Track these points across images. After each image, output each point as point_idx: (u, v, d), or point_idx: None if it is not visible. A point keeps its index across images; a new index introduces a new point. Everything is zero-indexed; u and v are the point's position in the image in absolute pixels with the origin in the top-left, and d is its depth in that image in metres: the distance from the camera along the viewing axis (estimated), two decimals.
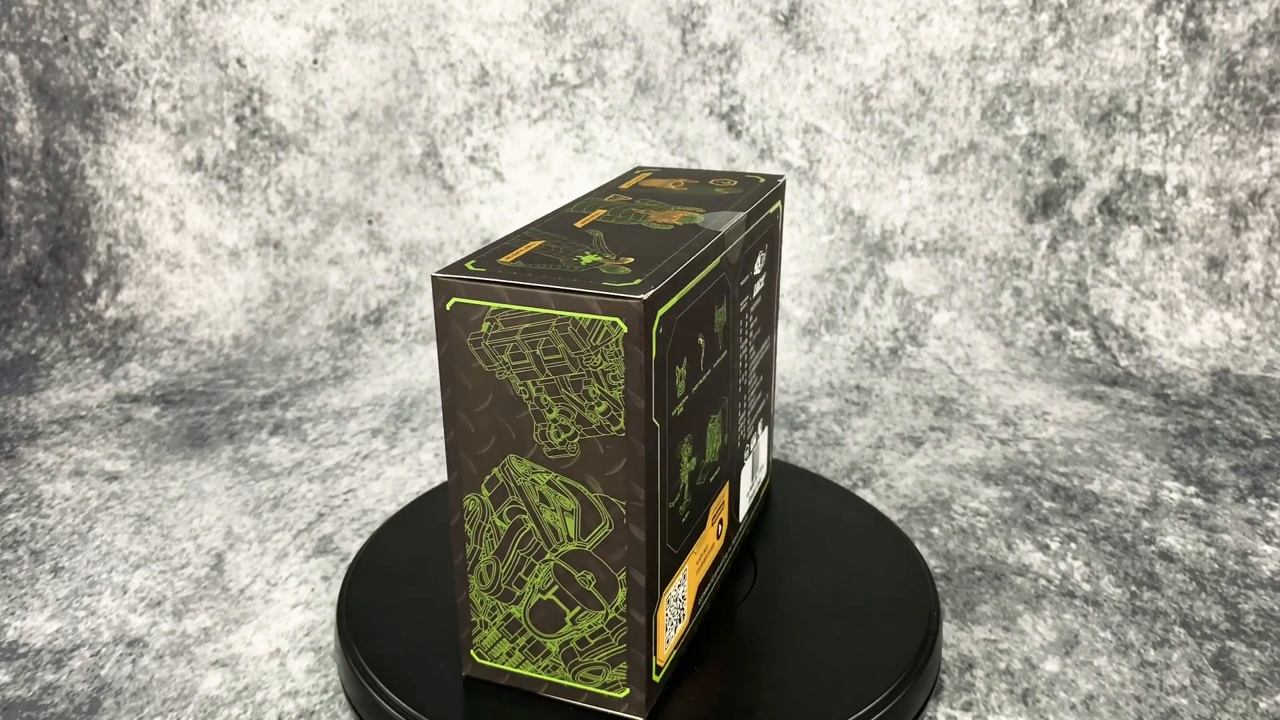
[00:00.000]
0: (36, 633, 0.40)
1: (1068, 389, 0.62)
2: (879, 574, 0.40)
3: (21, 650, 0.39)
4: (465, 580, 0.32)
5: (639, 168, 0.44)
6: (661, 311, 0.28)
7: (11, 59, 0.75)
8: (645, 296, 0.27)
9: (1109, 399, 0.61)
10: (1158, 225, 0.71)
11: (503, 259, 0.30)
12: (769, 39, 0.71)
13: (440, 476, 0.52)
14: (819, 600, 0.38)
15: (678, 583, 0.33)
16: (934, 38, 0.70)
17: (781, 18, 0.71)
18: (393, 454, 0.55)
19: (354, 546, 0.46)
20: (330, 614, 0.41)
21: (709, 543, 0.36)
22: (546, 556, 0.31)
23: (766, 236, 0.39)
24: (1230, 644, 0.39)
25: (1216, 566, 0.44)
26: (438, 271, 0.29)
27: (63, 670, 0.38)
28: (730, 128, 0.73)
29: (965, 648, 0.39)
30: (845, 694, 0.33)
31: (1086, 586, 0.43)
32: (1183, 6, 0.68)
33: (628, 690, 0.31)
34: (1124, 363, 0.66)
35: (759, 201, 0.37)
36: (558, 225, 0.34)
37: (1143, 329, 0.68)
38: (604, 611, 0.31)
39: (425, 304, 0.72)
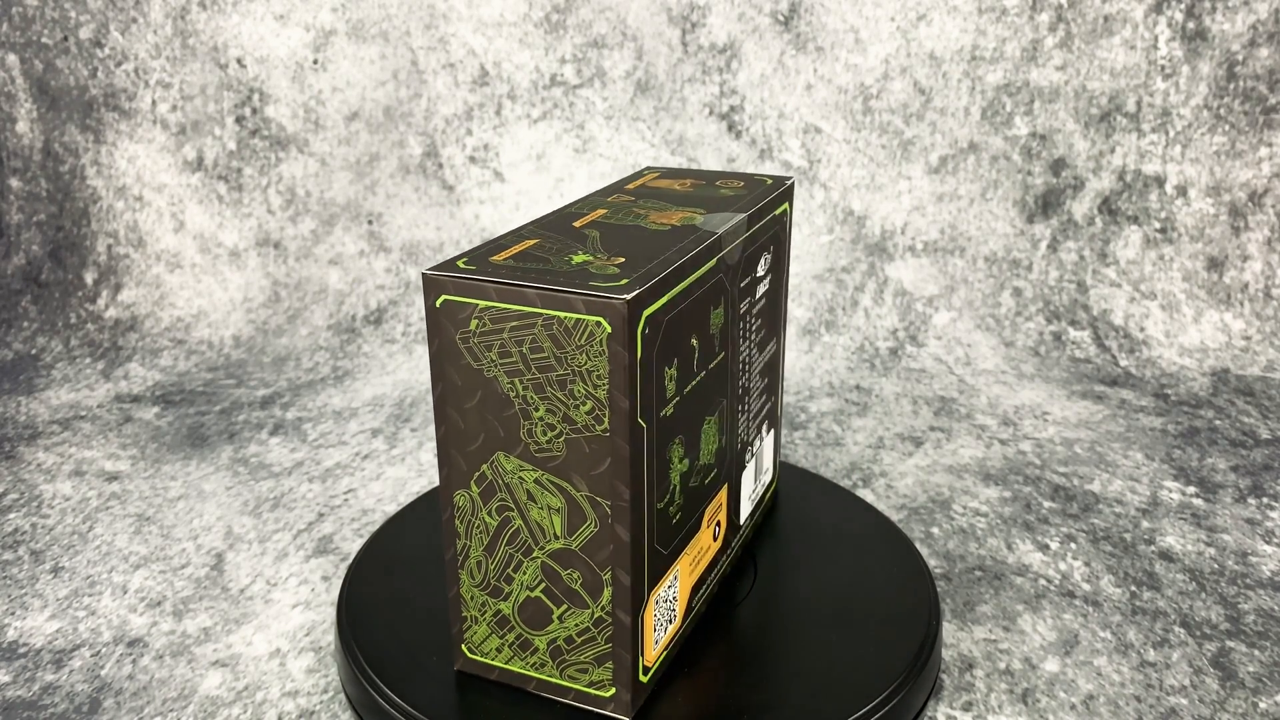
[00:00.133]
0: (36, 633, 0.40)
1: (1068, 389, 0.62)
2: (879, 574, 0.40)
3: (21, 650, 0.39)
4: (456, 575, 0.33)
5: (649, 168, 0.44)
6: (648, 312, 0.28)
7: (11, 59, 0.75)
8: (628, 297, 0.27)
9: (1109, 399, 0.61)
10: (1158, 225, 0.71)
11: (495, 257, 0.30)
12: (769, 39, 0.71)
13: None
14: (818, 600, 0.38)
15: (668, 584, 0.33)
16: (934, 38, 0.70)
17: (781, 18, 0.71)
18: (393, 454, 0.55)
19: (354, 546, 0.46)
20: (330, 614, 0.41)
21: (704, 545, 0.36)
22: (534, 554, 0.31)
23: (771, 239, 0.39)
24: (1230, 644, 0.39)
25: (1216, 566, 0.44)
26: (428, 269, 0.30)
27: (63, 670, 0.38)
28: (730, 128, 0.73)
29: (965, 648, 0.39)
30: (845, 694, 0.33)
31: (1086, 586, 0.43)
32: (1183, 6, 0.68)
33: (614, 690, 0.31)
34: (1124, 363, 0.66)
35: (762, 203, 0.37)
36: (556, 224, 0.34)
37: (1143, 329, 0.68)
38: (590, 610, 0.31)
39: None
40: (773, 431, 0.43)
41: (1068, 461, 0.53)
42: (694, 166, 0.71)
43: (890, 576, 0.40)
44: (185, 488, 0.51)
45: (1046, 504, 0.49)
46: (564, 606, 0.31)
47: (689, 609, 0.35)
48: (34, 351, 0.69)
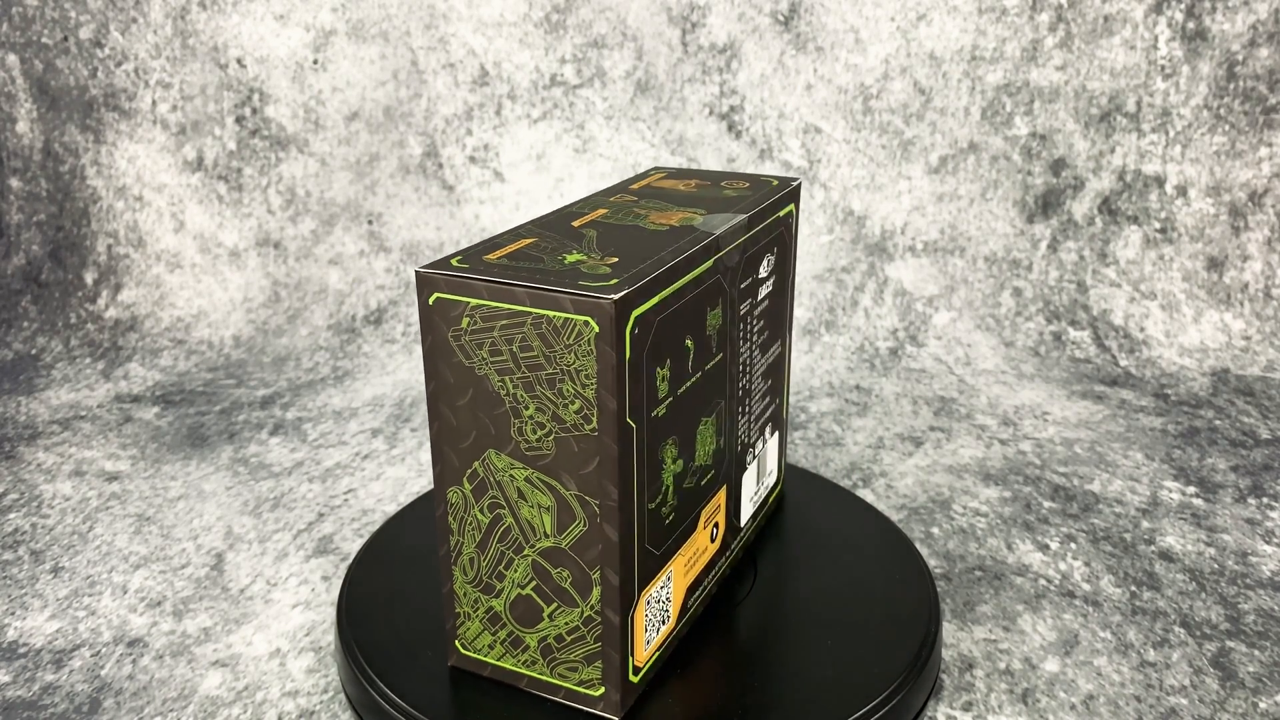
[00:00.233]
0: (36, 633, 0.40)
1: (1068, 389, 0.62)
2: (879, 574, 0.40)
3: (21, 650, 0.39)
4: (450, 572, 0.33)
5: (657, 168, 0.44)
6: (637, 312, 0.28)
7: (12, 59, 0.75)
8: (616, 297, 0.27)
9: (1109, 399, 0.61)
10: (1158, 225, 0.71)
11: (489, 256, 0.31)
12: (769, 39, 0.71)
13: None
14: (818, 601, 0.38)
15: (660, 584, 0.33)
16: (934, 38, 0.70)
17: (781, 18, 0.71)
18: (393, 454, 0.55)
19: (354, 546, 0.46)
20: (330, 614, 0.41)
21: (700, 546, 0.36)
22: (525, 552, 0.31)
23: (776, 240, 0.38)
24: (1230, 644, 0.39)
25: (1216, 566, 0.44)
26: (421, 266, 0.30)
27: (63, 670, 0.38)
28: (730, 128, 0.73)
29: (965, 648, 0.39)
30: (845, 694, 0.33)
31: (1086, 586, 0.43)
32: (1183, 6, 0.68)
33: (603, 689, 0.31)
34: (1124, 363, 0.66)
35: (765, 204, 0.37)
36: (555, 223, 0.34)
37: (1142, 329, 0.68)
38: (580, 609, 0.31)
39: None
40: (777, 434, 0.43)
41: (1068, 461, 0.53)
42: (694, 166, 0.71)
43: (890, 577, 0.40)
44: (185, 488, 0.51)
45: (1046, 504, 0.49)
46: (554, 605, 0.31)
47: (684, 610, 0.35)
48: (34, 351, 0.69)
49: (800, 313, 0.70)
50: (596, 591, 0.30)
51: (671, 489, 0.32)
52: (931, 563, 0.44)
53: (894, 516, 0.48)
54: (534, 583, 0.31)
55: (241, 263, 0.75)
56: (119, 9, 0.73)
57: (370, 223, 0.75)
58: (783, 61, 0.71)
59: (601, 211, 0.36)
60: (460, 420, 0.30)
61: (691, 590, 0.35)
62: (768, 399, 0.40)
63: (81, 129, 0.75)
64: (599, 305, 0.27)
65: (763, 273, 0.38)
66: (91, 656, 0.39)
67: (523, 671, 0.33)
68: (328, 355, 0.68)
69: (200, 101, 0.74)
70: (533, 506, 0.30)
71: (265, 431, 0.57)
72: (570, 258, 0.30)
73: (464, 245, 0.74)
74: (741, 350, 0.37)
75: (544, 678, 0.32)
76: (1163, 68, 0.69)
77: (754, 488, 0.40)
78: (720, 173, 0.42)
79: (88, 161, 0.76)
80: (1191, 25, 0.68)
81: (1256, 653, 0.39)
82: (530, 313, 0.28)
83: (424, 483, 0.52)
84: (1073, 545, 0.46)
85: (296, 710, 0.36)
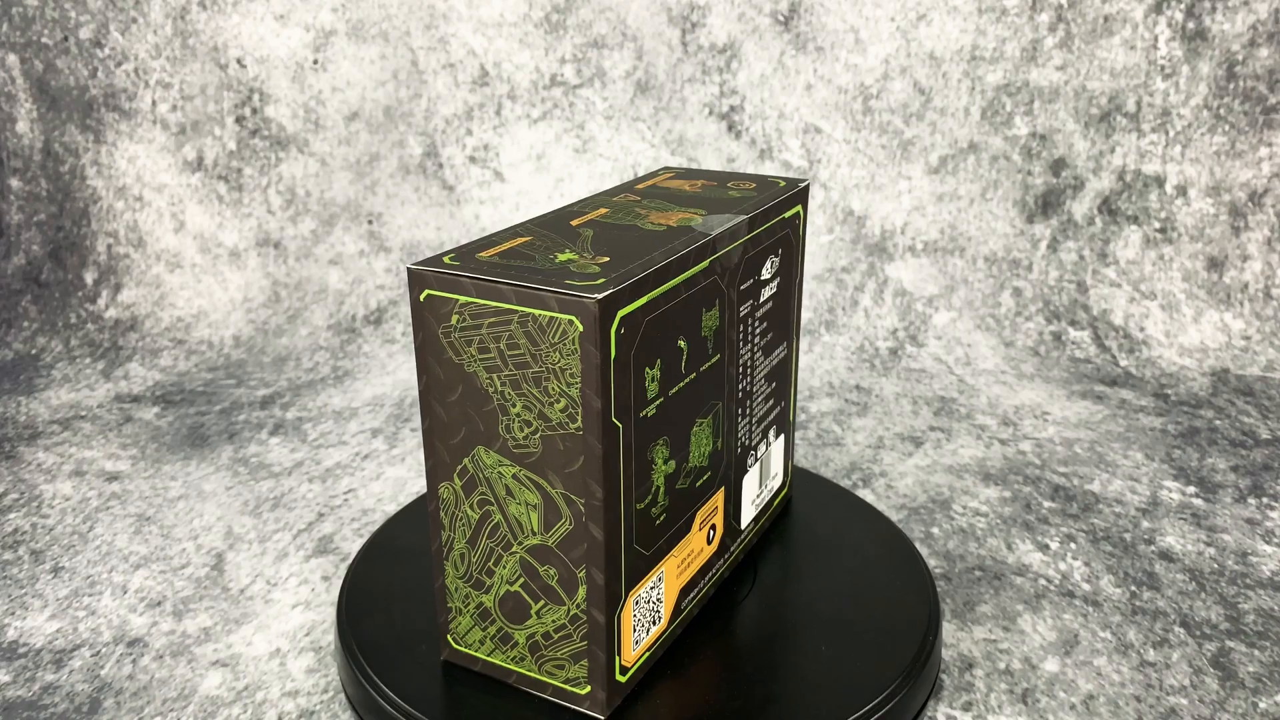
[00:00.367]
0: (36, 633, 0.40)
1: (1068, 389, 0.62)
2: (879, 574, 0.40)
3: (22, 650, 0.39)
4: (442, 567, 0.33)
5: (666, 167, 0.44)
6: (623, 312, 0.28)
7: (12, 59, 0.75)
8: (600, 296, 0.27)
9: (1109, 399, 0.61)
10: (1158, 225, 0.71)
11: (482, 254, 0.31)
12: (769, 39, 0.71)
13: None
14: (818, 601, 0.38)
15: (649, 584, 0.33)
16: (934, 38, 0.70)
17: (781, 18, 0.71)
18: (393, 454, 0.55)
19: (354, 546, 0.46)
20: (330, 614, 0.41)
21: (695, 547, 0.35)
22: (513, 549, 0.31)
23: (780, 241, 0.38)
24: (1230, 644, 0.39)
25: (1216, 566, 0.44)
26: (413, 264, 0.30)
27: (63, 670, 0.38)
28: (730, 128, 0.73)
29: (965, 648, 0.39)
30: (845, 694, 0.33)
31: (1086, 586, 0.43)
32: (1183, 6, 0.68)
33: (589, 687, 0.32)
34: (1124, 363, 0.66)
35: (769, 205, 0.37)
36: (553, 223, 0.34)
37: (1142, 329, 0.68)
38: (566, 607, 0.31)
39: None
40: (782, 436, 0.42)
41: (1068, 461, 0.53)
42: (695, 166, 0.71)
43: (890, 576, 0.40)
44: (185, 488, 0.51)
45: (1046, 504, 0.49)
46: (541, 602, 0.31)
47: (678, 611, 0.35)
48: (34, 351, 0.69)
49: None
50: (582, 590, 0.30)
51: (663, 490, 0.32)
52: (931, 563, 0.44)
53: (894, 516, 0.48)
54: (522, 580, 0.31)
55: (241, 263, 0.75)
56: (119, 9, 0.73)
57: (370, 223, 0.75)
58: (783, 61, 0.71)
59: (602, 211, 0.36)
60: (451, 416, 0.31)
61: (686, 591, 0.35)
62: (771, 401, 0.40)
63: (81, 129, 0.75)
64: (582, 304, 0.27)
65: (765, 274, 0.37)
66: (91, 656, 0.39)
67: (512, 668, 0.33)
68: (328, 355, 0.68)
69: (200, 101, 0.74)
70: (520, 504, 0.31)
71: (265, 431, 0.57)
72: (562, 257, 0.30)
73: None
74: (741, 352, 0.36)
75: (532, 674, 0.33)
76: (1163, 68, 0.69)
77: (756, 490, 0.40)
78: (728, 173, 0.42)
79: (88, 161, 0.76)
80: (1191, 25, 0.68)
81: (1256, 653, 0.39)
82: (517, 311, 0.28)
83: (424, 483, 0.52)
84: (1073, 545, 0.46)
85: (296, 710, 0.36)
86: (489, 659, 0.33)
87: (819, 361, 0.66)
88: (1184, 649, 0.39)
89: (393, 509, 0.49)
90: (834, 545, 0.42)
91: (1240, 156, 0.70)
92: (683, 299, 0.31)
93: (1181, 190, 0.71)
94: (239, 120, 0.75)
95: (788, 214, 0.39)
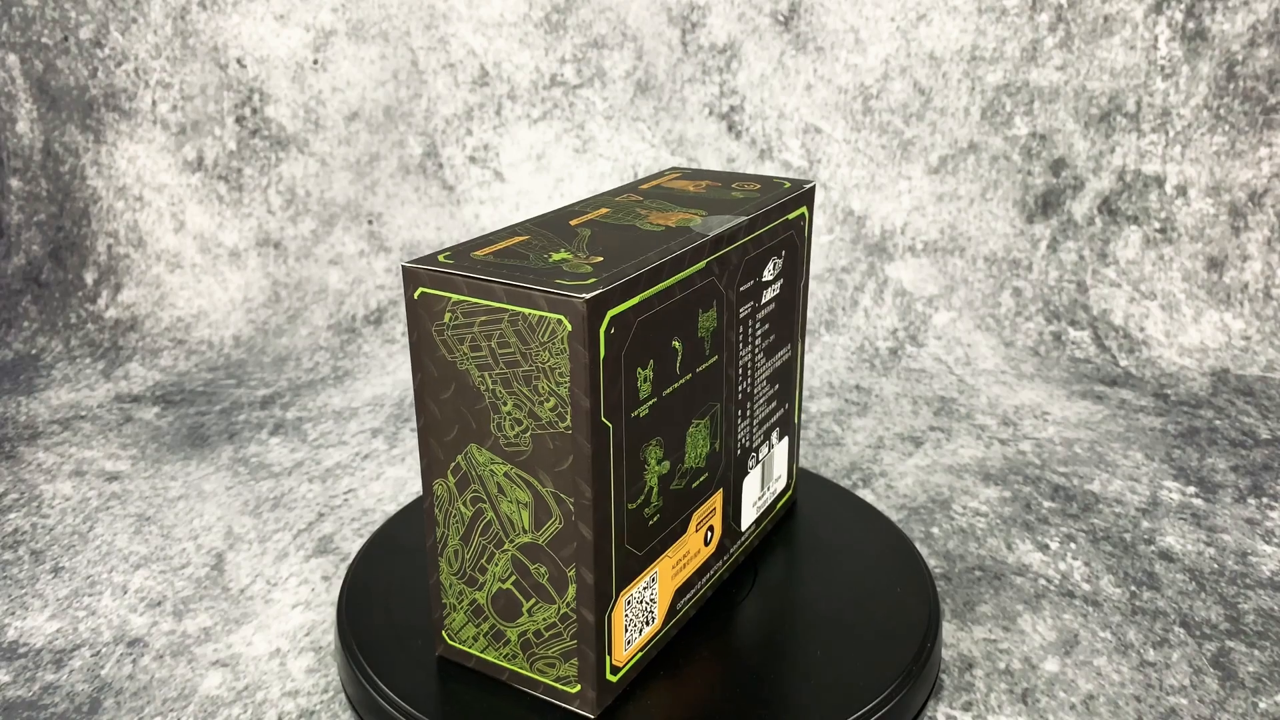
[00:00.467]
0: (37, 633, 0.40)
1: (1068, 389, 0.62)
2: (878, 574, 0.40)
3: (22, 650, 0.39)
4: (436, 563, 0.33)
5: (674, 168, 0.44)
6: (613, 312, 0.28)
7: (12, 59, 0.75)
8: (588, 296, 0.27)
9: (1109, 399, 0.61)
10: (1157, 225, 0.71)
11: (477, 253, 0.31)
12: (769, 39, 0.71)
13: None
14: (818, 601, 0.38)
15: (642, 584, 0.33)
16: (934, 38, 0.70)
17: (781, 18, 0.71)
18: (393, 454, 0.55)
19: (354, 546, 0.46)
20: (330, 614, 0.41)
21: (691, 549, 0.35)
22: (505, 546, 0.31)
23: (784, 243, 0.38)
24: (1230, 644, 0.39)
25: (1216, 566, 0.44)
26: (408, 261, 0.30)
27: (63, 670, 0.38)
28: (730, 128, 0.73)
29: (965, 648, 0.39)
30: (845, 694, 0.33)
31: (1086, 586, 0.43)
32: (1183, 6, 0.68)
33: (579, 686, 0.32)
34: (1124, 363, 0.66)
35: (771, 207, 0.37)
36: (552, 222, 0.34)
37: (1142, 329, 0.68)
38: (556, 606, 0.31)
39: None
40: (786, 439, 0.42)
41: (1068, 461, 0.53)
42: (696, 167, 0.71)
43: (890, 576, 0.40)
44: (185, 488, 0.51)
45: (1046, 504, 0.49)
46: (532, 600, 0.32)
47: (673, 612, 0.35)
48: (34, 351, 0.69)
49: None
50: (572, 589, 0.31)
51: (656, 490, 0.32)
52: (931, 563, 0.44)
53: (894, 516, 0.48)
54: (514, 577, 0.32)
55: (241, 263, 0.75)
56: (119, 9, 0.73)
57: (370, 223, 0.75)
58: (783, 61, 0.71)
59: (603, 211, 0.36)
60: (444, 414, 0.31)
61: (682, 592, 0.35)
62: (774, 403, 0.40)
63: (81, 129, 0.75)
64: (571, 304, 0.27)
65: (767, 276, 0.37)
66: (92, 656, 0.39)
67: (504, 665, 0.33)
68: (328, 355, 0.68)
69: (200, 101, 0.74)
70: (511, 502, 0.31)
71: (265, 431, 0.57)
72: (556, 256, 0.31)
73: None
74: (742, 353, 0.36)
75: (524, 672, 0.33)
76: (1163, 68, 0.69)
77: (758, 492, 0.40)
78: (734, 174, 0.42)
79: (88, 161, 0.76)
80: (1191, 25, 0.68)
81: (1256, 653, 0.39)
82: (507, 309, 0.28)
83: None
84: (1073, 545, 0.46)
85: (296, 710, 0.36)
86: (482, 655, 0.33)
87: (819, 361, 0.66)
88: (1184, 649, 0.39)
89: (393, 509, 0.49)
90: (834, 545, 0.42)
91: (1240, 156, 0.70)
92: (677, 299, 0.31)
93: (1181, 190, 0.71)
94: (239, 120, 0.75)
95: (792, 215, 0.38)
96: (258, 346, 0.70)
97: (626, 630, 0.32)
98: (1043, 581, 0.43)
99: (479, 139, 0.75)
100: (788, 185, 0.40)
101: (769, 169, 0.73)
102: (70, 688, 0.37)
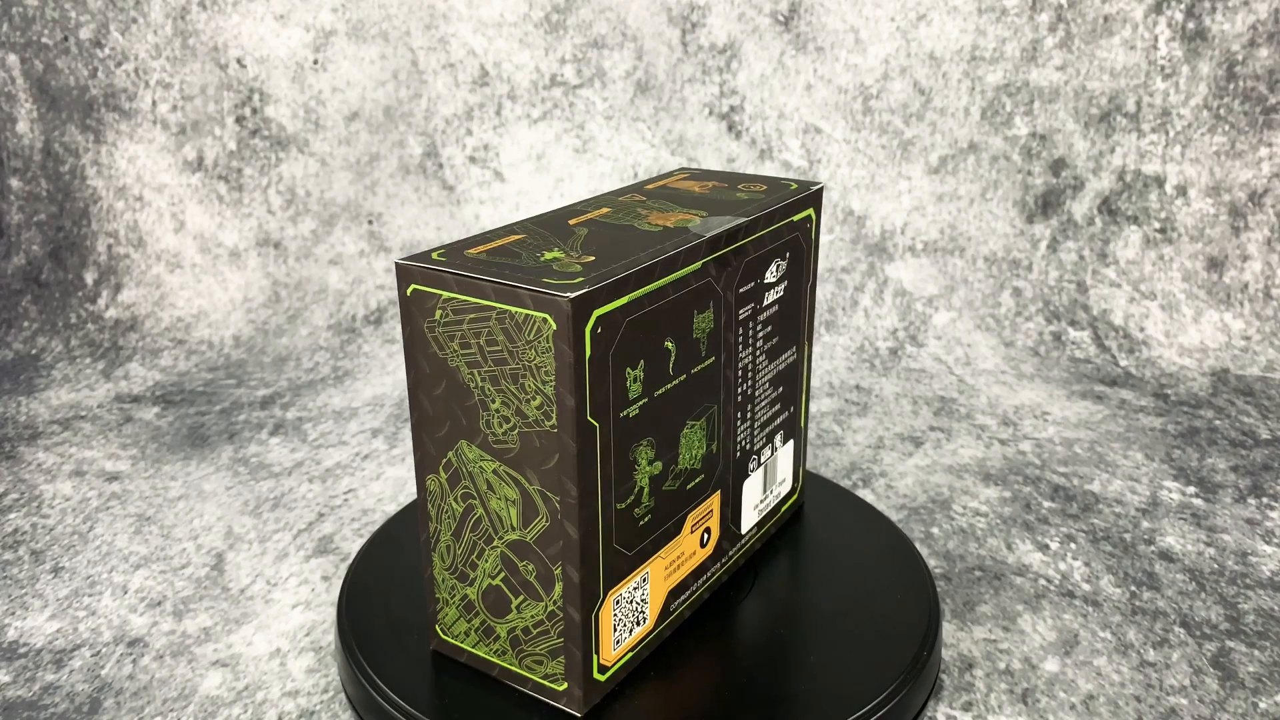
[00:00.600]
0: (37, 633, 0.40)
1: (1068, 389, 0.62)
2: (878, 574, 0.40)
3: (22, 650, 0.39)
4: (429, 558, 0.33)
5: (682, 168, 0.44)
6: (600, 311, 0.28)
7: (12, 59, 0.75)
8: (573, 295, 0.27)
9: (1109, 399, 0.61)
10: (1157, 225, 0.71)
11: (470, 251, 0.31)
12: (769, 39, 0.71)
13: None
14: (818, 600, 0.38)
15: (633, 584, 0.33)
16: (934, 38, 0.70)
17: (781, 18, 0.71)
18: (393, 454, 0.55)
19: (354, 546, 0.46)
20: (330, 614, 0.41)
21: (686, 550, 0.35)
22: (494, 543, 0.32)
23: (788, 245, 0.38)
24: (1230, 644, 0.39)
25: (1216, 566, 0.44)
26: (401, 258, 0.30)
27: (63, 670, 0.38)
28: (730, 128, 0.73)
29: (965, 648, 0.39)
30: (845, 694, 0.33)
31: (1086, 586, 0.43)
32: (1183, 6, 0.68)
33: (566, 684, 0.32)
34: (1124, 363, 0.66)
35: (774, 208, 0.36)
36: (550, 221, 0.34)
37: (1142, 329, 0.68)
38: (544, 604, 0.31)
39: None
40: (791, 442, 0.42)
41: (1068, 461, 0.53)
42: (698, 167, 0.71)
43: (890, 576, 0.40)
44: (185, 488, 0.51)
45: (1046, 504, 0.49)
46: (520, 597, 0.32)
47: (666, 612, 0.35)
48: (34, 351, 0.69)
49: None
50: (559, 587, 0.31)
51: (647, 490, 0.32)
52: (931, 563, 0.44)
53: (894, 516, 0.48)
54: (503, 574, 0.32)
55: (241, 263, 0.75)
56: (119, 9, 0.73)
57: (370, 223, 0.75)
58: (783, 62, 0.71)
59: (603, 210, 0.36)
60: (436, 410, 0.31)
61: (676, 594, 0.35)
62: (777, 406, 0.40)
63: (81, 129, 0.75)
64: (556, 303, 0.27)
65: (769, 277, 0.37)
66: (92, 656, 0.39)
67: (494, 660, 0.33)
68: (328, 355, 0.68)
69: (200, 101, 0.74)
70: (500, 499, 0.31)
71: (265, 431, 0.57)
72: (547, 255, 0.31)
73: None
74: (741, 355, 0.36)
75: (513, 668, 0.33)
76: (1163, 68, 0.69)
77: (759, 495, 0.40)
78: (741, 175, 0.42)
79: (88, 161, 0.76)
80: (1191, 25, 0.68)
81: (1256, 653, 0.39)
82: (495, 307, 0.29)
83: None
84: (1073, 545, 0.46)
85: (296, 710, 0.36)
86: (473, 650, 0.34)
87: (819, 362, 0.66)
88: (1184, 649, 0.39)
89: (393, 509, 0.49)
90: (834, 545, 0.42)
91: (1240, 156, 0.70)
92: (670, 300, 0.31)
93: (1181, 190, 0.71)
94: (239, 120, 0.75)
95: (797, 217, 0.38)
96: (258, 346, 0.70)
97: (615, 630, 0.32)
98: (1043, 581, 0.43)
99: (479, 139, 0.75)
100: (794, 187, 0.39)
101: (769, 169, 0.73)
102: (70, 688, 0.37)
